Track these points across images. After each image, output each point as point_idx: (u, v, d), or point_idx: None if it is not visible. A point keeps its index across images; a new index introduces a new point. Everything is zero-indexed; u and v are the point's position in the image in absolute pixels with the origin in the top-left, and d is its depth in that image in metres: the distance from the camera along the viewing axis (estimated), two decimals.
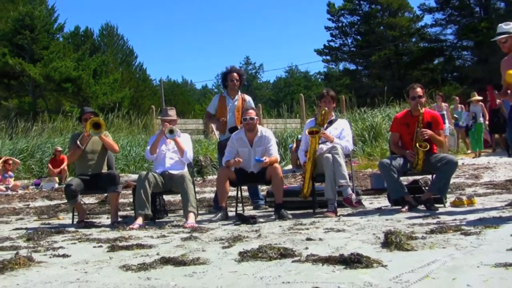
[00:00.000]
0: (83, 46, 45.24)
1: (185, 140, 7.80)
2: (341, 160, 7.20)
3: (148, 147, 7.75)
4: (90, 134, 7.63)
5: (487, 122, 17.03)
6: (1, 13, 40.02)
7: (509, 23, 6.99)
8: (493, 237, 4.66)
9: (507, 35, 6.82)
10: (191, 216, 7.01)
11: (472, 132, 17.16)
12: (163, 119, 7.81)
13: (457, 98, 19.48)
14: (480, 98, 16.99)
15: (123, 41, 59.42)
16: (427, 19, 49.50)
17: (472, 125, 16.96)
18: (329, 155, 7.20)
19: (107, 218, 8.29)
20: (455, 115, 18.15)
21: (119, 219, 7.75)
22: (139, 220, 7.03)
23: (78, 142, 7.72)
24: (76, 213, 7.86)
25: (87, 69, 40.24)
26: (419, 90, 7.46)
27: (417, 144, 7.18)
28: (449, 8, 48.05)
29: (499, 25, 7.04)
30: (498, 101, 8.76)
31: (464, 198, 7.43)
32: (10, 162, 16.92)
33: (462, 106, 18.68)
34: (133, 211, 8.29)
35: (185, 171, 7.66)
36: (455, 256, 3.95)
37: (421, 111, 7.35)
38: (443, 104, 18.04)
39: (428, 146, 7.19)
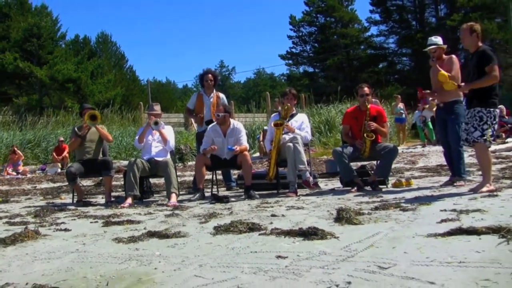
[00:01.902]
0: (82, 52, 44.92)
1: (168, 131, 7.76)
2: (301, 148, 7.22)
3: (137, 137, 7.71)
4: (88, 124, 7.62)
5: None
6: (14, 24, 39.80)
7: (437, 36, 7.19)
8: (426, 212, 4.71)
9: (435, 46, 6.97)
10: (173, 196, 7.00)
11: (421, 128, 17.26)
12: (150, 113, 7.76)
13: (398, 96, 19.54)
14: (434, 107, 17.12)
15: (116, 47, 58.72)
16: (373, 30, 49.95)
17: (423, 126, 17.11)
18: (291, 144, 7.21)
19: (102, 198, 8.23)
20: (400, 111, 18.26)
21: (112, 199, 7.74)
22: (129, 200, 7.00)
23: (78, 131, 7.73)
24: (76, 194, 7.81)
25: (85, 71, 40.13)
26: (366, 89, 7.52)
27: (365, 135, 7.22)
28: (391, 21, 48.31)
29: (429, 38, 7.22)
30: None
31: (403, 180, 7.51)
32: (19, 152, 16.89)
33: (403, 103, 18.80)
34: (124, 192, 8.24)
35: (168, 158, 7.62)
36: (395, 228, 3.99)
37: (368, 106, 7.40)
38: (400, 102, 18.38)
39: (374, 136, 7.25)
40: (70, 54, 42.92)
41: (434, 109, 16.74)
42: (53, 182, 12.34)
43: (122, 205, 6.84)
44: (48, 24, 41.42)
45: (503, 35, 37.21)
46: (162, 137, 7.58)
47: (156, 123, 7.49)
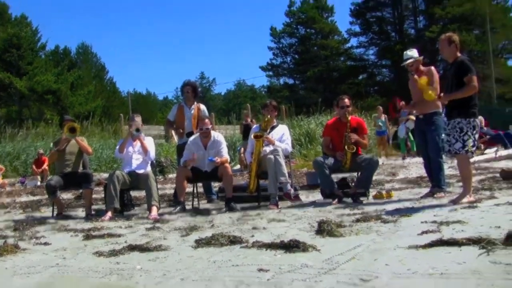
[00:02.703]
0: (62, 63, 44.92)
1: (149, 142, 7.74)
2: (282, 160, 7.23)
3: (118, 147, 7.67)
4: (67, 137, 7.57)
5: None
6: None
7: (412, 49, 7.29)
8: (406, 224, 4.75)
9: (412, 60, 7.04)
10: (154, 209, 6.96)
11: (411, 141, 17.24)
12: (130, 123, 7.74)
13: (380, 108, 19.44)
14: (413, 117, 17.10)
15: (96, 58, 58.54)
16: (353, 41, 50.40)
17: (407, 138, 17.11)
18: (271, 156, 7.22)
19: (82, 211, 8.14)
20: (379, 123, 18.23)
21: (93, 212, 7.66)
22: (109, 213, 6.94)
23: (52, 145, 7.72)
24: (56, 207, 7.74)
25: (65, 82, 40.15)
26: (347, 100, 7.57)
27: (346, 147, 7.26)
28: (370, 33, 48.88)
29: (405, 52, 7.29)
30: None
31: (384, 192, 7.55)
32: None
33: (385, 115, 18.69)
34: (104, 205, 8.19)
35: (149, 170, 7.59)
36: (376, 240, 4.02)
37: (348, 118, 7.45)
38: (383, 114, 18.34)
39: (355, 148, 7.29)
40: (50, 65, 42.85)
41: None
42: (33, 195, 12.19)
43: (102, 218, 6.79)
44: (28, 35, 41.40)
45: (481, 46, 37.85)
46: (143, 147, 7.55)
47: (137, 129, 7.49)
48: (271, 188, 7.25)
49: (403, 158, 16.42)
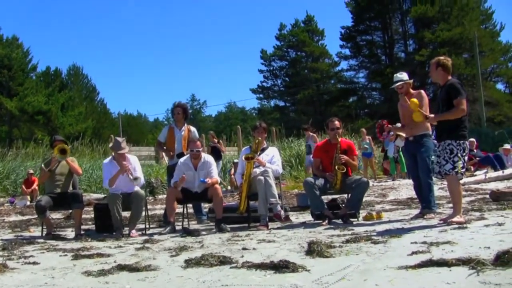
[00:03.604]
0: (53, 84, 45.02)
1: (134, 162, 7.70)
2: (272, 181, 7.24)
3: (107, 180, 7.45)
4: (58, 158, 7.54)
5: None
6: None
7: (402, 72, 7.35)
8: (397, 244, 4.75)
9: (402, 82, 7.10)
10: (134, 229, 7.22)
11: (400, 160, 17.09)
12: (124, 164, 7.44)
13: (364, 130, 19.42)
14: (404, 135, 16.94)
15: (87, 80, 58.48)
16: (343, 64, 50.89)
17: (397, 156, 17.02)
18: (262, 177, 7.23)
19: (72, 231, 8.09)
20: (365, 146, 18.18)
21: (82, 232, 7.62)
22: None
23: (43, 166, 7.68)
24: (45, 227, 7.69)
25: (56, 103, 40.21)
26: (337, 122, 7.61)
27: (336, 167, 7.28)
28: (361, 56, 49.24)
29: (395, 75, 7.36)
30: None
31: (374, 213, 7.54)
32: None
33: (369, 137, 18.67)
34: (93, 225, 8.22)
35: (138, 189, 7.56)
36: (366, 261, 4.01)
37: (338, 139, 7.48)
38: (366, 136, 18.36)
39: (345, 169, 7.31)
40: (41, 86, 42.98)
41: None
42: (22, 215, 12.13)
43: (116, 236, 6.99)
44: (19, 56, 41.51)
45: (470, 70, 38.21)
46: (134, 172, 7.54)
47: (136, 179, 7.43)
48: (261, 209, 7.24)
49: (393, 180, 16.38)
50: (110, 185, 7.45)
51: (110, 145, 7.74)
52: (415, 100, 6.49)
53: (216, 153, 16.36)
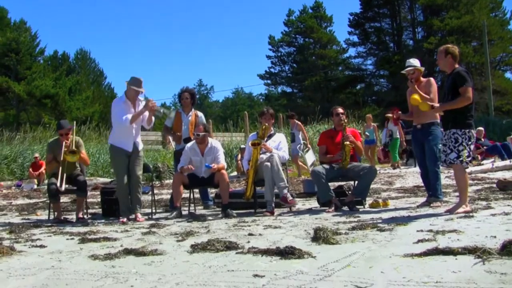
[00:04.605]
0: (60, 68, 45.04)
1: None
2: (279, 166, 7.24)
3: (128, 116, 7.10)
4: (71, 161, 7.47)
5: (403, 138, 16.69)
6: None
7: (415, 59, 7.29)
8: (402, 232, 4.75)
9: (413, 68, 7.06)
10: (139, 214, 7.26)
11: (391, 147, 16.82)
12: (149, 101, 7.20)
13: (370, 116, 18.88)
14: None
15: (95, 64, 58.45)
16: (351, 51, 50.60)
17: (389, 142, 16.71)
18: (268, 163, 7.23)
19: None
20: (366, 133, 17.78)
21: (89, 216, 7.78)
22: (124, 219, 7.06)
23: (47, 147, 7.72)
24: (52, 211, 7.74)
25: (63, 87, 40.23)
26: (340, 109, 7.71)
27: (345, 142, 7.31)
28: (369, 43, 48.96)
29: (408, 60, 7.33)
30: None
31: (380, 200, 7.54)
32: None
33: (374, 125, 18.31)
34: (100, 209, 8.39)
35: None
36: (371, 248, 4.01)
37: (345, 120, 7.56)
38: (372, 123, 18.02)
39: (354, 144, 7.35)
40: (49, 70, 43.00)
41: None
42: (29, 198, 12.19)
43: (122, 220, 7.01)
44: (27, 40, 41.58)
45: (479, 58, 37.95)
46: (149, 119, 7.41)
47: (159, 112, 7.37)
48: (267, 195, 7.26)
49: (394, 168, 16.07)
50: (132, 122, 7.15)
51: (128, 80, 7.32)
52: (416, 96, 6.48)
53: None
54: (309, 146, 14.36)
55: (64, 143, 7.49)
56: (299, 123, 15.35)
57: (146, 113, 7.28)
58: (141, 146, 7.48)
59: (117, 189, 7.39)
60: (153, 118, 7.43)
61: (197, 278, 3.30)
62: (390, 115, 16.20)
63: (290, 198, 7.40)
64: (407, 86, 7.24)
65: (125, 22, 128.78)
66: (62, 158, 7.44)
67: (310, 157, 12.17)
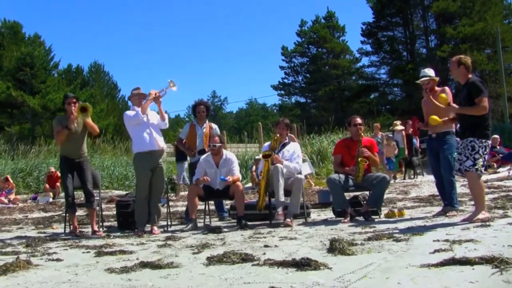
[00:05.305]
0: (74, 81, 45.38)
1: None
2: (280, 178, 7.13)
3: (139, 110, 7.32)
4: (81, 117, 7.41)
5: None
6: (7, 53, 40.38)
7: (430, 69, 7.29)
8: (419, 242, 4.72)
9: (428, 78, 7.06)
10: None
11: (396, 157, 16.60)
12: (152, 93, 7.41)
13: (378, 125, 18.65)
14: (402, 128, 16.48)
15: (109, 77, 58.73)
16: (365, 60, 50.26)
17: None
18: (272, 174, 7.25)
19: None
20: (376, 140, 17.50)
21: (104, 229, 7.75)
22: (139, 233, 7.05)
23: (55, 122, 7.69)
24: (69, 224, 7.72)
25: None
26: (359, 119, 7.63)
27: (359, 159, 7.27)
28: (382, 52, 48.75)
29: (422, 69, 7.34)
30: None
31: (396, 210, 7.51)
32: (11, 181, 16.78)
33: (382, 134, 17.85)
34: (116, 222, 8.41)
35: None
36: (388, 259, 3.99)
37: (361, 134, 7.50)
38: (380, 132, 17.87)
39: (367, 161, 7.31)
40: (63, 83, 43.24)
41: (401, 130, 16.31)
42: (45, 212, 12.26)
43: (138, 232, 7.02)
44: (41, 54, 41.89)
45: (493, 66, 37.68)
46: (161, 113, 7.49)
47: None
48: (277, 202, 7.22)
49: (394, 178, 15.79)
50: (143, 112, 7.30)
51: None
52: (444, 95, 6.44)
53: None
54: (305, 157, 14.24)
55: (72, 109, 7.46)
56: (291, 135, 15.24)
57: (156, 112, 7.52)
58: (164, 146, 7.58)
59: (136, 201, 7.41)
60: (165, 115, 7.51)
61: None
62: (398, 127, 16.16)
63: (288, 219, 7.13)
64: (421, 95, 7.23)
65: (138, 35, 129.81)
66: (73, 115, 7.43)
67: (306, 169, 12.05)
